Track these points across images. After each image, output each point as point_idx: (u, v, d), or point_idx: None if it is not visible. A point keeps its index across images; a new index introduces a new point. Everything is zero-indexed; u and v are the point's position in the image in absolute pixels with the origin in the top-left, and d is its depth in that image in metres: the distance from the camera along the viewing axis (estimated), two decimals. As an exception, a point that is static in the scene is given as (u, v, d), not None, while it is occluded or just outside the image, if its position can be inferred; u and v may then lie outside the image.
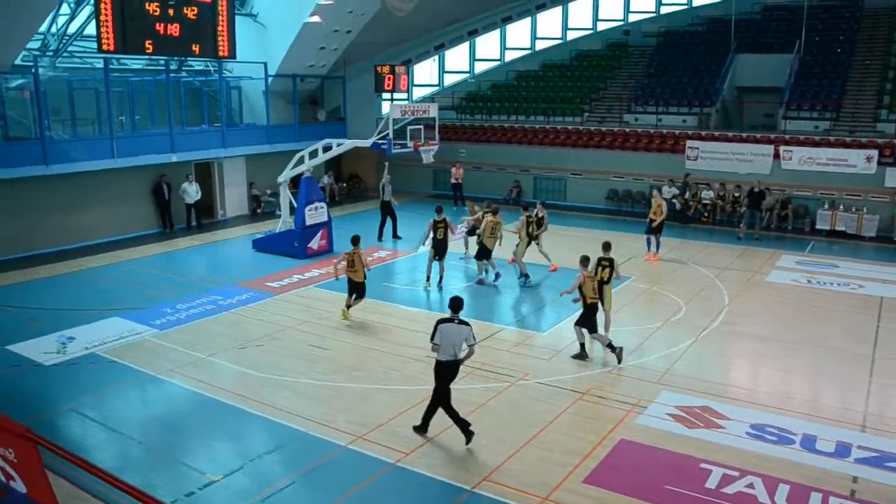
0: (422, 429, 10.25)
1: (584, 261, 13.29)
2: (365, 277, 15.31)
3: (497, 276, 17.90)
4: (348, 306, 15.32)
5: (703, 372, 12.63)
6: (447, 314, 10.17)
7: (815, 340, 14.17)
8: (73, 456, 4.66)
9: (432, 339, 10.00)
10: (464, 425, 9.95)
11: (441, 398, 10.06)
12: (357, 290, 15.31)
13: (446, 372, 10.01)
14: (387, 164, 23.60)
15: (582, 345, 13.19)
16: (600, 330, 13.30)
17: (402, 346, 13.71)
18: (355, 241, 15.24)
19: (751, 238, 22.77)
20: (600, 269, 13.80)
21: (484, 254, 17.66)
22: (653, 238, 20.29)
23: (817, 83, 28.05)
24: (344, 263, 15.15)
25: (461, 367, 10.23)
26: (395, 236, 22.82)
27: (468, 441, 9.90)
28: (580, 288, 13.03)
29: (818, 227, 23.89)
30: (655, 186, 23.74)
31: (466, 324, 10.07)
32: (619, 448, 9.94)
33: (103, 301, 16.42)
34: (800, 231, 24.17)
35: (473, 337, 10.08)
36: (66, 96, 22.90)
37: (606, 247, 14.23)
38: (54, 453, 4.58)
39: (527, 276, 17.95)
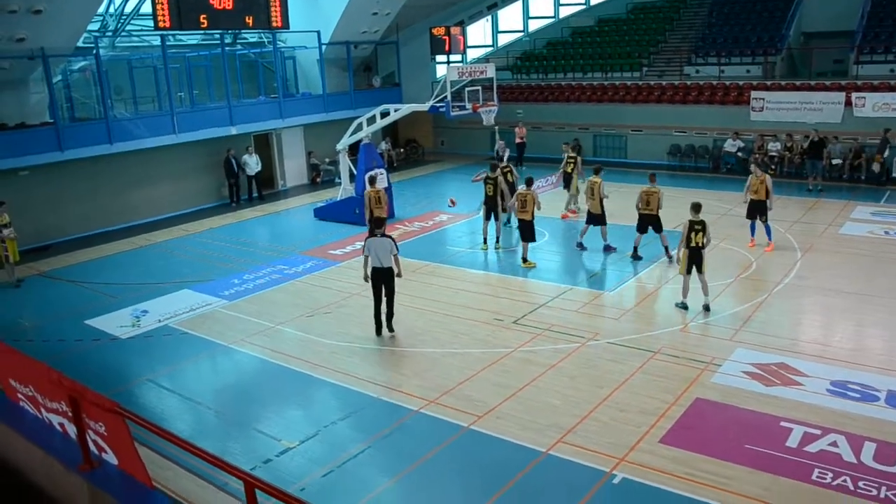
0: (378, 331, 12.62)
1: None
2: (533, 217, 15.93)
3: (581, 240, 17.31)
4: (524, 258, 16.12)
5: (777, 328, 12.28)
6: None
7: (894, 294, 13.62)
8: (159, 428, 4.73)
9: (363, 252, 12.33)
10: (378, 324, 12.56)
11: (375, 299, 12.45)
12: (525, 230, 15.91)
13: (377, 276, 12.23)
14: (496, 127, 23.15)
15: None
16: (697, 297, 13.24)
17: (468, 309, 13.67)
18: (529, 182, 16.20)
19: (816, 189, 21.98)
20: (693, 233, 12.76)
21: (597, 219, 16.74)
22: (757, 223, 16.62)
23: (892, 23, 26.64)
24: (516, 203, 16.00)
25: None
26: None
27: (379, 331, 12.60)
28: None
29: (894, 175, 22.87)
30: (751, 159, 21.87)
31: (390, 237, 12.24)
32: (695, 407, 9.74)
33: (173, 274, 16.79)
34: (874, 181, 23.20)
35: (396, 247, 12.18)
36: (126, 75, 23.31)
37: (696, 208, 12.97)
38: (140, 425, 4.65)
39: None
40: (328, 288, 15.35)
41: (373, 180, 17.61)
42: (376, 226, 12.39)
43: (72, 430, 5.08)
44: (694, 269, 12.99)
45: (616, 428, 9.28)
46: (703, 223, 12.81)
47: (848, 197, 21.31)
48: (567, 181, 20.71)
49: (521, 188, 16.33)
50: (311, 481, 8.50)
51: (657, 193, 15.62)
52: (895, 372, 10.53)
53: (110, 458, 4.92)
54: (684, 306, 13.16)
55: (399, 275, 12.28)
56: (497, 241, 17.54)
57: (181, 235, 20.63)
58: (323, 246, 18.53)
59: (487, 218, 17.50)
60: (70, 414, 4.94)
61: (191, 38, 25.46)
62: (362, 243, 12.48)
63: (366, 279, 12.44)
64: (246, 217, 22.73)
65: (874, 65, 25.48)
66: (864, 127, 23.55)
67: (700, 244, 12.82)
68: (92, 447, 4.97)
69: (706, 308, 13.02)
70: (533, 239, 16.19)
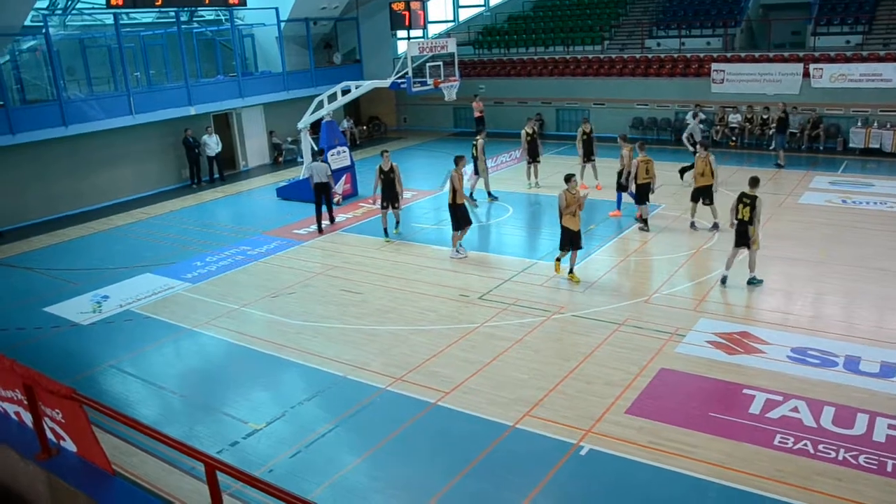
0: (319, 230, 17.38)
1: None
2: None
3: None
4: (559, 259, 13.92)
5: (739, 298, 12.46)
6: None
7: (852, 261, 13.87)
8: (118, 413, 4.64)
9: (308, 172, 17.75)
10: (319, 225, 17.49)
11: (317, 205, 17.35)
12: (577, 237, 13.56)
13: (319, 188, 17.06)
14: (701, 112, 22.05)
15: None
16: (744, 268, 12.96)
17: (433, 286, 13.65)
18: (568, 178, 13.39)
19: (776, 161, 22.15)
20: (741, 206, 12.50)
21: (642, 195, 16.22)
22: (624, 195, 17.21)
23: (848, -6, 26.98)
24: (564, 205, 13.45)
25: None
26: None
27: (320, 230, 17.46)
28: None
29: (851, 145, 23.24)
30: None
31: (326, 163, 17.87)
32: (660, 377, 9.85)
33: (134, 258, 16.50)
34: (832, 151, 23.56)
35: (329, 169, 17.46)
36: (78, 55, 22.70)
37: (753, 182, 12.56)
38: (99, 411, 4.55)
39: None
40: (292, 268, 15.21)
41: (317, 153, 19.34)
42: (319, 154, 18.27)
43: (28, 418, 4.97)
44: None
45: (582, 400, 9.35)
46: (753, 199, 12.39)
47: (807, 167, 21.61)
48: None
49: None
50: (279, 462, 8.44)
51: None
52: (852, 337, 10.76)
53: (69, 445, 4.82)
54: (722, 280, 12.89)
55: (334, 193, 18.40)
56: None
57: (141, 219, 20.27)
58: (286, 226, 18.35)
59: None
60: (25, 402, 4.82)
61: (145, 16, 24.87)
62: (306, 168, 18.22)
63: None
64: (207, 199, 22.39)
65: (830, 36, 25.80)
66: (821, 98, 23.87)
67: (745, 218, 12.47)
68: (49, 435, 4.86)
69: (750, 281, 12.80)
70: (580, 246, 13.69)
